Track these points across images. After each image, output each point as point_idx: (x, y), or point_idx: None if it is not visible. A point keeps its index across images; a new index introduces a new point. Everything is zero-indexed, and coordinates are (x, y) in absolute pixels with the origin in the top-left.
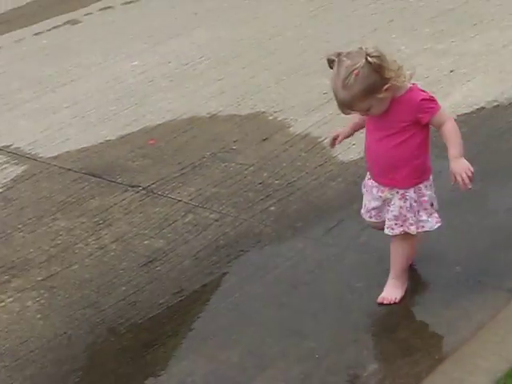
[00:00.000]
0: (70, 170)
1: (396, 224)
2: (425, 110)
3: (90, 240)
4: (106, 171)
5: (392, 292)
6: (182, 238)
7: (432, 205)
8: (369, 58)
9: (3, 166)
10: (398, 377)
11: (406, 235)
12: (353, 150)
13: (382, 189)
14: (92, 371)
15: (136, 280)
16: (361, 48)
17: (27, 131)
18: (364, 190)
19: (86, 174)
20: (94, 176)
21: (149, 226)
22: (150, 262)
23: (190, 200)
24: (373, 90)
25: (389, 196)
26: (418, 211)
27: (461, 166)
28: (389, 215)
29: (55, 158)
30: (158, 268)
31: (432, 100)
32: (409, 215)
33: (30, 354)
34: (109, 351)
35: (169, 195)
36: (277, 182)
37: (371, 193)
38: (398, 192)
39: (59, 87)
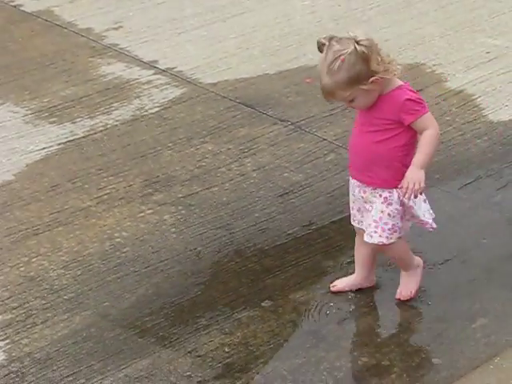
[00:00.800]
0: (225, 97)
1: (375, 232)
2: (408, 112)
3: (232, 166)
4: (259, 103)
5: (406, 286)
6: (321, 175)
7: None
8: (357, 46)
9: (164, 87)
10: (505, 333)
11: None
12: (504, 110)
13: (364, 189)
14: (214, 287)
15: (270, 209)
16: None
17: (192, 56)
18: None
19: (239, 103)
20: (247, 106)
21: (291, 160)
22: (286, 193)
23: (335, 140)
24: (357, 79)
25: (371, 198)
26: (402, 218)
27: (415, 176)
28: (369, 220)
29: (214, 84)
30: (293, 200)
31: (419, 102)
32: (391, 222)
33: (160, 264)
34: (232, 271)
35: (315, 133)
36: None
37: (353, 193)
38: (380, 195)
39: (229, 18)
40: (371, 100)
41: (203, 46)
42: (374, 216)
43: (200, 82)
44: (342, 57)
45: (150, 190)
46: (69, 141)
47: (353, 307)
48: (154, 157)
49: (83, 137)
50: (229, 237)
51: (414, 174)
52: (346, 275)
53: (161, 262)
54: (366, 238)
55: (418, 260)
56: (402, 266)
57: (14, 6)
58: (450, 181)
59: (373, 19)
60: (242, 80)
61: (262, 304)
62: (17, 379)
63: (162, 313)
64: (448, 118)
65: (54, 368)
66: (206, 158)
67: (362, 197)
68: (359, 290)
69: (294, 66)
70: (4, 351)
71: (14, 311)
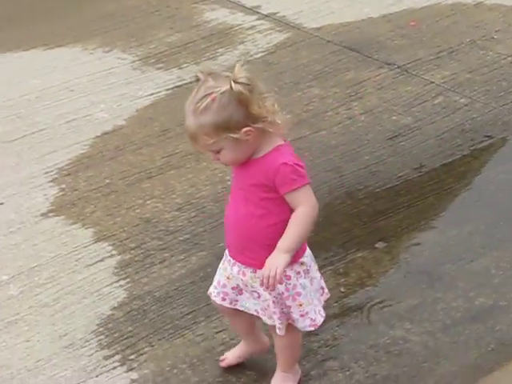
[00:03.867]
0: (329, 41)
1: (269, 318)
2: (284, 180)
3: (340, 109)
4: (364, 47)
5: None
6: (430, 118)
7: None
8: (233, 85)
9: (267, 32)
10: None
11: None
12: None
13: (243, 270)
14: (327, 228)
15: (379, 152)
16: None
17: (294, 1)
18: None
19: (344, 47)
20: (352, 50)
21: (399, 103)
22: (395, 136)
23: (443, 83)
24: (227, 126)
25: (252, 283)
26: (290, 307)
27: (275, 261)
28: (260, 306)
29: (318, 29)
30: (402, 143)
31: (297, 170)
32: (276, 310)
33: None
34: (344, 213)
35: (422, 76)
36: None
37: (231, 270)
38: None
39: None
40: (242, 155)
41: None
42: (262, 304)
43: (304, 27)
44: (213, 95)
45: None
46: (176, 86)
47: (472, 253)
48: None
49: (190, 82)
50: (339, 179)
51: (274, 260)
52: (460, 217)
53: None
54: (269, 322)
55: None
56: (286, 362)
57: None
58: None
59: None
60: (345, 24)
61: (376, 245)
62: (139, 316)
63: None
64: None
65: (174, 306)
66: (313, 101)
67: (242, 279)
68: None
69: (398, 9)
70: (125, 289)
71: (132, 251)
